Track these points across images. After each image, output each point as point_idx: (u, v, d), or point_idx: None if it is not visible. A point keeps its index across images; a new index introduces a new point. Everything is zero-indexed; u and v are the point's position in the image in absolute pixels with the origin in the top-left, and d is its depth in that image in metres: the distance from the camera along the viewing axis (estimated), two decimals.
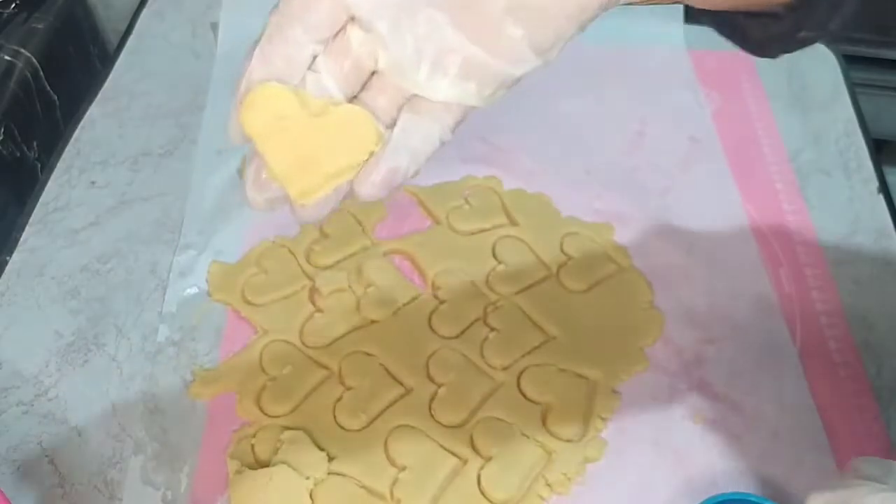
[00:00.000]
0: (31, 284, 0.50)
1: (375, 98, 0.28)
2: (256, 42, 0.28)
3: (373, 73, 0.28)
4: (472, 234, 0.53)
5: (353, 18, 0.27)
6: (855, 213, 0.56)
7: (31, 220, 0.53)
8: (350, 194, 0.29)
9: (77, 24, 0.65)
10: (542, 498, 0.42)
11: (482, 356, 0.47)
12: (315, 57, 0.28)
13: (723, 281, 0.52)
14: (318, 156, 0.28)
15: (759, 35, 0.33)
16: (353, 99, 0.28)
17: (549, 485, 0.43)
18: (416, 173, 0.28)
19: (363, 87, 0.28)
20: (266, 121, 0.28)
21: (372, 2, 0.26)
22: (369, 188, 0.28)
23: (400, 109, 0.28)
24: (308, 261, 0.51)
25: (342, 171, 0.28)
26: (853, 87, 0.64)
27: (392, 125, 0.28)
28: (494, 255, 0.52)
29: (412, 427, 0.44)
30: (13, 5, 0.61)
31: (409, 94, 0.28)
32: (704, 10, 0.33)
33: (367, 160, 0.28)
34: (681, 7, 0.67)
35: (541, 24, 0.26)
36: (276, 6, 0.27)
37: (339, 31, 0.27)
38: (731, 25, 0.34)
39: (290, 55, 0.27)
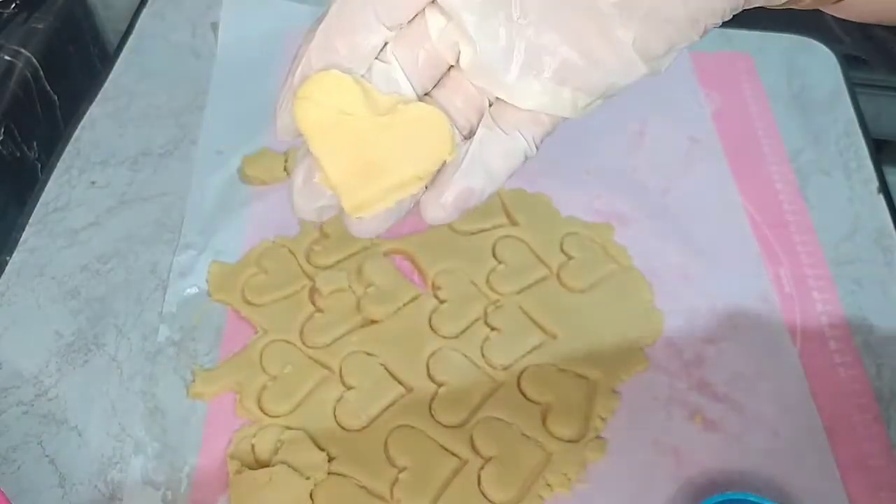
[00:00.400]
0: (31, 284, 0.50)
1: (451, 98, 0.24)
2: (317, 22, 0.23)
3: (449, 68, 0.24)
4: (473, 233, 0.53)
5: (433, 2, 0.23)
6: (855, 213, 0.56)
7: (31, 220, 0.53)
8: (413, 210, 0.25)
9: (77, 24, 0.65)
10: (542, 498, 0.42)
11: (482, 356, 0.47)
12: (385, 45, 0.23)
13: (723, 281, 0.52)
14: (383, 162, 0.23)
15: None
16: (424, 97, 0.24)
17: (549, 485, 0.43)
18: (493, 193, 0.24)
19: (437, 83, 0.24)
20: (324, 116, 0.23)
21: None
22: (438, 211, 0.24)
23: (480, 115, 0.24)
24: (308, 261, 0.52)
25: (408, 182, 0.24)
26: (853, 87, 0.64)
27: (469, 131, 0.24)
28: (494, 255, 0.52)
29: (412, 427, 0.44)
30: (13, 5, 0.61)
31: (493, 98, 0.24)
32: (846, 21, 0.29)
33: (438, 171, 0.24)
34: None
35: (657, 26, 0.22)
36: None
37: (416, 16, 0.23)
38: (874, 42, 0.30)
39: (356, 42, 0.23)
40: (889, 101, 0.72)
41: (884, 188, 0.57)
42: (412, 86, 0.23)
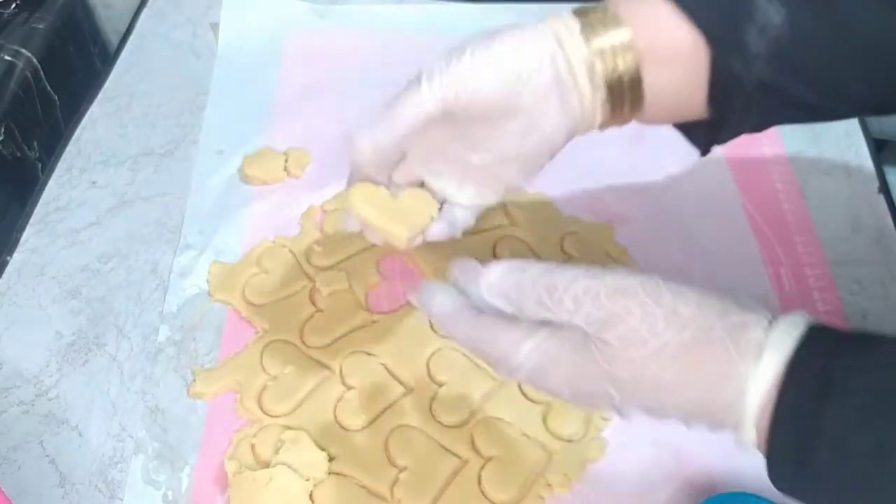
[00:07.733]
0: (32, 284, 0.50)
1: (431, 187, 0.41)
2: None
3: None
4: (473, 233, 0.53)
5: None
6: (855, 213, 0.56)
7: (31, 220, 0.53)
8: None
9: (77, 24, 0.66)
10: (542, 498, 0.42)
11: None
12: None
13: (723, 281, 0.52)
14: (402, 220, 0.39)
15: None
16: (421, 184, 0.41)
17: (549, 485, 0.43)
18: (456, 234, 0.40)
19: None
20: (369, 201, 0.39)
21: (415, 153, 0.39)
22: (430, 237, 0.40)
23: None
24: (308, 261, 0.52)
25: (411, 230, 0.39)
26: None
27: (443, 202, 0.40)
28: (495, 255, 0.52)
29: (412, 427, 0.44)
30: (13, 5, 0.61)
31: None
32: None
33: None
34: None
35: (525, 168, 0.40)
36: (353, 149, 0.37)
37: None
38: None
39: (375, 175, 0.39)
40: None
41: (884, 188, 0.57)
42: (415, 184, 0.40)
